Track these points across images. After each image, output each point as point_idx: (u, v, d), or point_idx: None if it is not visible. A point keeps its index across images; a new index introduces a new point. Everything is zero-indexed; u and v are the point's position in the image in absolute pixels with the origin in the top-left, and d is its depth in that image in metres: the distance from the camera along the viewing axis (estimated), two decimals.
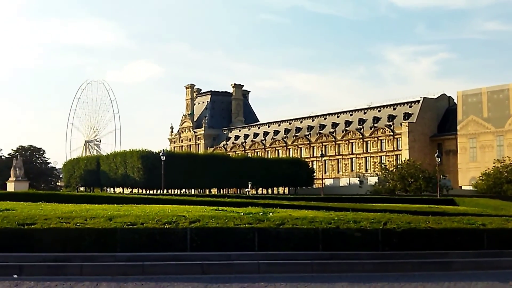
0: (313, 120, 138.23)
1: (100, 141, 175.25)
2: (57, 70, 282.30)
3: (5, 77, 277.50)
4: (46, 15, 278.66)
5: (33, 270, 14.26)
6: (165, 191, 79.64)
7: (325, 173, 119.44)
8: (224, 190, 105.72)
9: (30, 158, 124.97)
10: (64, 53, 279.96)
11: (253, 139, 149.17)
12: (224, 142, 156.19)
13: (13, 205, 22.97)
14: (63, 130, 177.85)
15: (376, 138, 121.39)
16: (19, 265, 14.33)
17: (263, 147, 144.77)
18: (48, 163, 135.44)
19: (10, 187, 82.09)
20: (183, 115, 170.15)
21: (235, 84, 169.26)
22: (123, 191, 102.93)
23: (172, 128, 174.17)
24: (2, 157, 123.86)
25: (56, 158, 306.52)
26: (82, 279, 13.45)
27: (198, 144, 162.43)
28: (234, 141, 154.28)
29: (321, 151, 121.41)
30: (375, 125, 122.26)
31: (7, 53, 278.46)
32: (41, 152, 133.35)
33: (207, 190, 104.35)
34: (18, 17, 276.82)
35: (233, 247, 15.56)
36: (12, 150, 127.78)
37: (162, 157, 77.98)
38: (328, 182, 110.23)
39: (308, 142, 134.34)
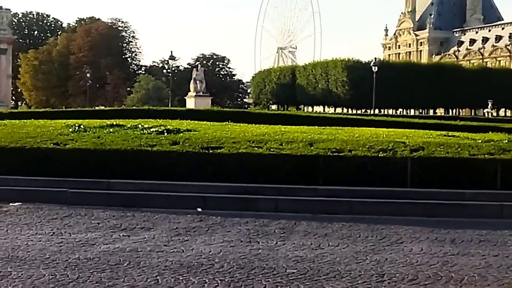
0: None
1: (296, 48, 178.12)
2: None
3: None
4: None
5: (218, 202, 14.93)
6: (376, 111, 79.77)
7: None
8: (455, 110, 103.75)
9: (212, 69, 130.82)
10: None
11: (495, 44, 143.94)
12: (455, 48, 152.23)
13: (195, 125, 23.99)
14: (251, 34, 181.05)
15: None
16: (203, 196, 15.11)
17: (508, 54, 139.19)
18: (234, 75, 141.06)
19: (190, 103, 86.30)
20: (402, 12, 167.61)
21: None
22: (324, 110, 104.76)
23: (386, 30, 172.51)
24: (180, 68, 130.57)
25: (243, 69, 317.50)
26: (277, 216, 13.71)
27: (421, 50, 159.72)
28: (469, 47, 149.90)
29: None
30: None
31: None
32: (226, 61, 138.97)
33: (432, 111, 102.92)
34: None
35: (468, 184, 15.30)
36: (192, 59, 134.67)
37: (373, 67, 77.86)
38: None
39: None
